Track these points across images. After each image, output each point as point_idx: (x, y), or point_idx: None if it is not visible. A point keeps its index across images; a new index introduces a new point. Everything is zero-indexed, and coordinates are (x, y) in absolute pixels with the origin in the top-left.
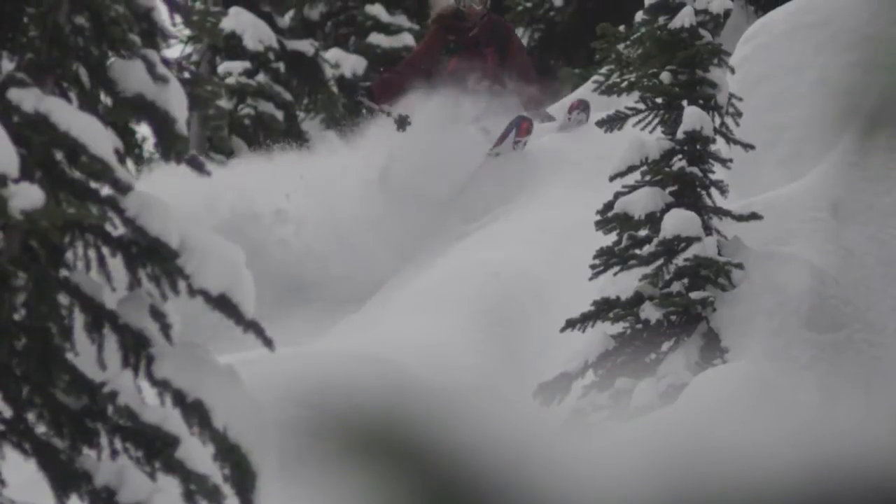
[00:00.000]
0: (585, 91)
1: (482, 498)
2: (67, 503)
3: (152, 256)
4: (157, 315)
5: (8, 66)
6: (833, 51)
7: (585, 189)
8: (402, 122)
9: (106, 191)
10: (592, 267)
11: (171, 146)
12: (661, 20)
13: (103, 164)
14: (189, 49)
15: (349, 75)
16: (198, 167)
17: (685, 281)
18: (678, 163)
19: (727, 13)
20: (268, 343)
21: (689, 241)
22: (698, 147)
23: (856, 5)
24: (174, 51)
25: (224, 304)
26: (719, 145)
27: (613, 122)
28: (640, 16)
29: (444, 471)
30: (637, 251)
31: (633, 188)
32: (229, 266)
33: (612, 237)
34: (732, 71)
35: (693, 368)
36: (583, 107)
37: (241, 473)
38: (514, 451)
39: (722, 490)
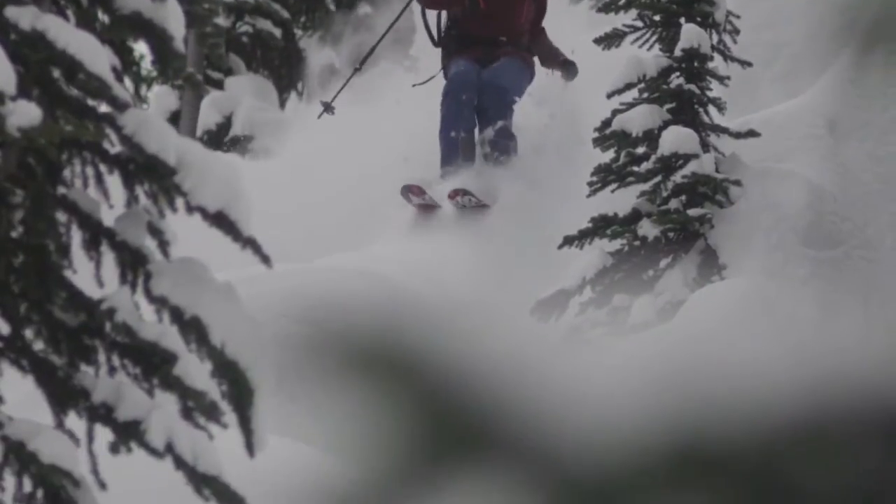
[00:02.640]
0: None
1: (480, 413)
2: (65, 420)
3: (150, 174)
4: (155, 232)
5: None
6: None
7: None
8: (327, 108)
9: (103, 108)
10: (590, 184)
11: (168, 64)
12: None
13: (101, 82)
14: None
15: None
16: (195, 86)
17: (683, 198)
18: (676, 80)
19: None
20: (265, 260)
21: (687, 158)
22: (696, 64)
23: None
24: None
25: (222, 221)
26: (717, 63)
27: (611, 40)
28: None
29: (444, 386)
30: (635, 168)
31: (630, 105)
32: (227, 183)
33: (610, 154)
34: None
35: (691, 285)
36: (462, 193)
37: (239, 390)
38: (512, 367)
39: (720, 406)
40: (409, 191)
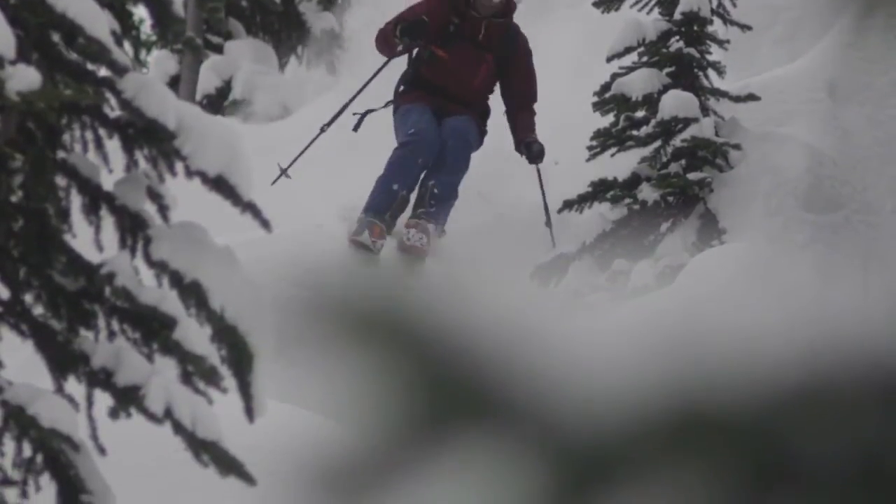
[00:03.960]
0: None
1: (480, 378)
2: (65, 384)
3: (149, 138)
4: (155, 196)
5: None
6: None
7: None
8: (283, 173)
9: (103, 73)
10: (590, 148)
11: (167, 28)
12: None
13: (100, 46)
14: None
15: None
16: (195, 50)
17: (683, 162)
18: (675, 44)
19: None
20: (265, 224)
21: (687, 122)
22: (695, 28)
23: None
24: None
25: (222, 186)
26: (716, 26)
27: (611, 4)
28: None
29: (443, 351)
30: (634, 132)
31: (630, 69)
32: (227, 147)
33: (610, 118)
34: None
35: (690, 249)
36: (422, 226)
37: (239, 355)
38: (512, 332)
39: (719, 370)
40: (371, 230)
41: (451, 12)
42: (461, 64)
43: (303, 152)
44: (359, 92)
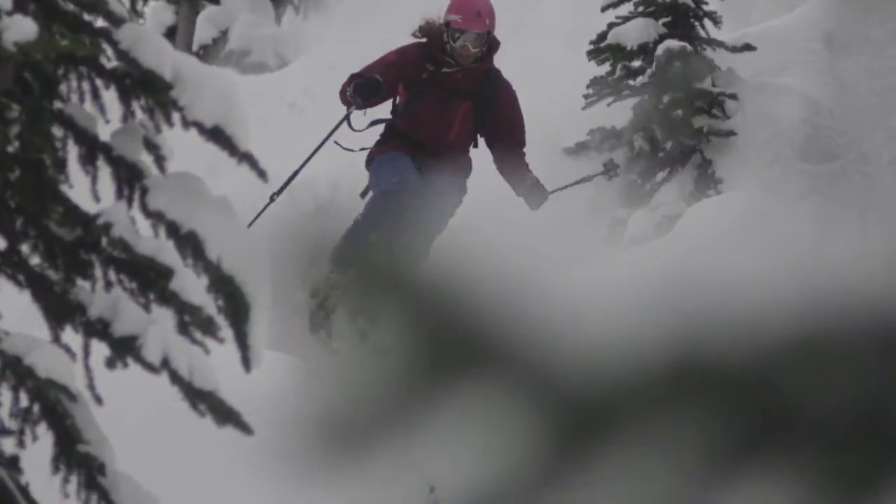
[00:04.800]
0: None
1: (478, 328)
2: (62, 335)
3: (146, 88)
4: (151, 147)
5: None
6: None
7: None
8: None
9: (99, 23)
10: (586, 97)
11: None
12: None
13: None
14: None
15: None
16: (191, 0)
17: (679, 112)
18: None
19: None
20: (262, 175)
21: None
22: None
23: None
24: None
25: (218, 136)
26: None
27: None
28: None
29: (444, 300)
30: (630, 82)
31: (626, 19)
32: (223, 98)
33: (606, 67)
34: None
35: (687, 199)
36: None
37: (235, 305)
38: (510, 281)
39: (718, 320)
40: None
41: (426, 60)
42: (436, 114)
43: (263, 210)
44: (315, 151)
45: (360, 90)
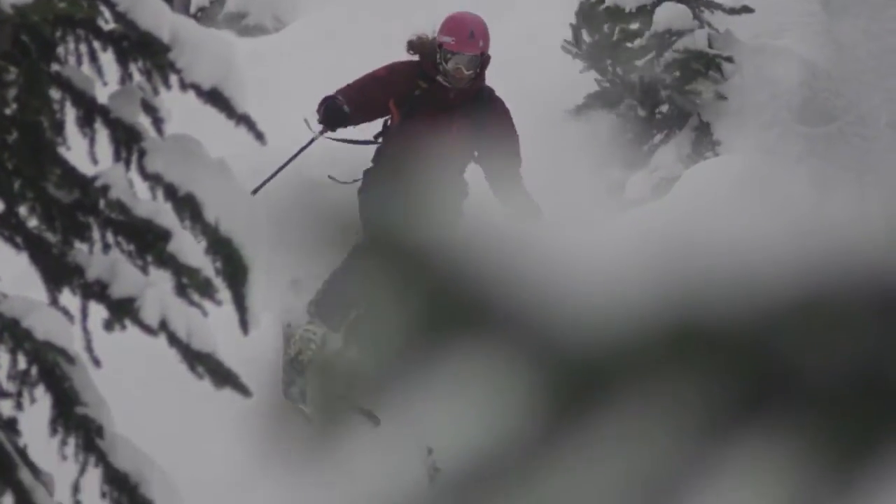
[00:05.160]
0: None
1: (477, 287)
2: (59, 297)
3: (144, 51)
4: (149, 109)
5: None
6: None
7: None
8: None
9: None
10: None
11: None
12: None
13: None
14: None
15: None
16: None
17: (676, 74)
18: None
19: None
20: (259, 137)
21: (681, 33)
22: None
23: None
24: None
25: (216, 98)
26: None
27: None
28: None
29: (443, 260)
30: (628, 44)
31: None
32: (221, 60)
33: (604, 30)
34: None
35: (685, 161)
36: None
37: (233, 267)
38: (509, 242)
39: (717, 282)
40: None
41: (418, 77)
42: (429, 132)
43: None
44: (296, 155)
45: (326, 120)
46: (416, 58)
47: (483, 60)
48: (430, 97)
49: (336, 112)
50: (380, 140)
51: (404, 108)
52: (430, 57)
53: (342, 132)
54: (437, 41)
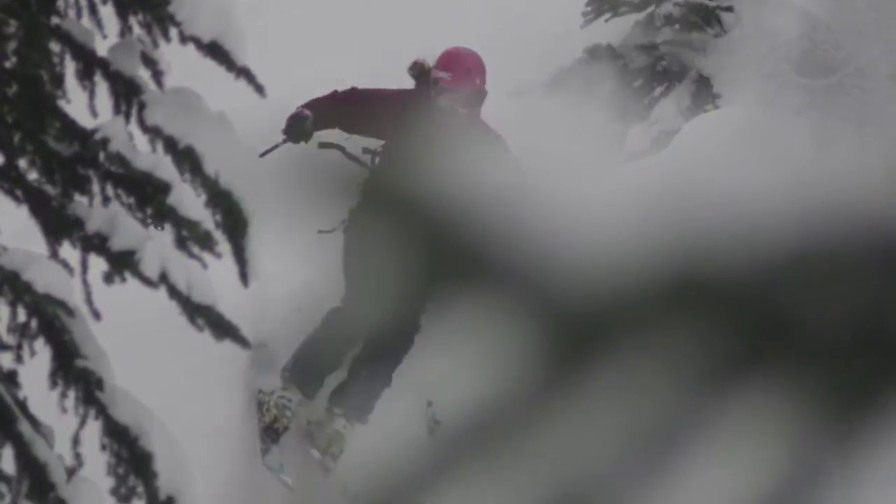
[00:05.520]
0: None
1: (475, 240)
2: (59, 250)
3: (143, 3)
4: (149, 62)
5: None
6: None
7: None
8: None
9: None
10: (584, 14)
11: None
12: None
13: None
14: None
15: None
16: None
17: (676, 27)
18: None
19: None
20: (259, 90)
21: None
22: None
23: None
24: None
25: (216, 51)
26: None
27: None
28: None
29: (440, 215)
30: None
31: None
32: (221, 13)
33: None
34: None
35: (685, 114)
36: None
37: (233, 220)
38: (509, 194)
39: (717, 234)
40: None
41: (414, 107)
42: (417, 157)
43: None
44: (269, 150)
45: (289, 130)
46: (414, 88)
47: (479, 96)
48: (423, 125)
49: (297, 129)
50: (373, 156)
51: (398, 133)
52: (427, 88)
53: (337, 138)
54: (433, 76)
